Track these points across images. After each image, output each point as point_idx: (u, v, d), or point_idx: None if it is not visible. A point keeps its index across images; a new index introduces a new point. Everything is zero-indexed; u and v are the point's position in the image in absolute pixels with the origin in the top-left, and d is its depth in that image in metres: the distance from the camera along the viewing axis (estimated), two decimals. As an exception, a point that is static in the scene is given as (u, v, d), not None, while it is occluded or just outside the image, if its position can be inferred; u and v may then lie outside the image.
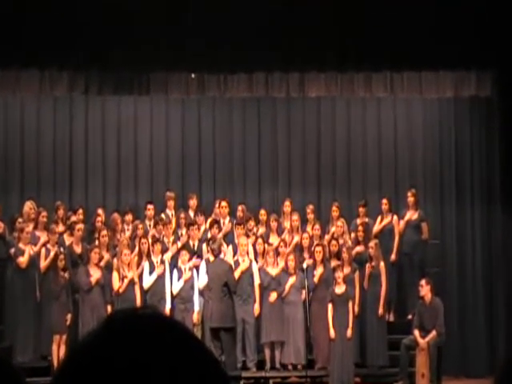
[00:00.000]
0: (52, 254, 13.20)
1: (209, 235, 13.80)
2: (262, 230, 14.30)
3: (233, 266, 13.22)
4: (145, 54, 12.87)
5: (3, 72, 13.23)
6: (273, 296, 13.20)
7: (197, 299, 13.17)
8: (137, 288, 13.07)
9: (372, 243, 13.47)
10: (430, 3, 13.03)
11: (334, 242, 13.63)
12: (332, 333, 12.68)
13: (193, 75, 13.59)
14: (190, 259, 13.41)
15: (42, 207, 14.11)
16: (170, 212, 14.73)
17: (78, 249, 13.67)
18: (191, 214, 14.74)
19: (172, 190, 15.08)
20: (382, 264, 13.40)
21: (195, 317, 13.07)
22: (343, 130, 15.63)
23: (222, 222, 14.40)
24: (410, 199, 14.38)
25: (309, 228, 14.26)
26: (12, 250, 13.30)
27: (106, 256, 13.43)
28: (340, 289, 12.85)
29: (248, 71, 13.54)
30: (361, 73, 13.56)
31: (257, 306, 13.19)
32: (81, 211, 14.30)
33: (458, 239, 14.63)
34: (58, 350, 12.66)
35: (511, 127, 13.64)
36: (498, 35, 13.01)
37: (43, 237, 13.58)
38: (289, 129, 15.69)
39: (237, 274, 13.13)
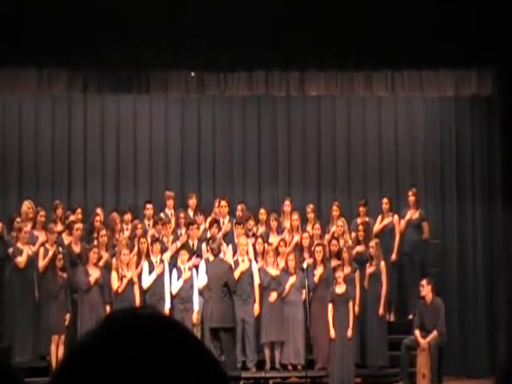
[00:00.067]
0: (50, 253, 13.15)
1: (208, 235, 13.76)
2: (261, 229, 14.26)
3: (232, 266, 13.18)
4: (144, 54, 12.83)
5: (1, 70, 13.18)
6: (273, 296, 13.16)
7: (196, 299, 13.13)
8: (136, 288, 13.03)
9: (372, 243, 13.44)
10: (430, 2, 12.99)
11: (334, 241, 13.59)
12: (332, 333, 12.63)
13: (192, 73, 13.54)
14: (190, 259, 13.37)
15: (41, 206, 14.07)
16: (170, 211, 14.69)
17: (76, 248, 13.62)
18: (191, 213, 14.69)
19: (171, 189, 15.04)
20: (382, 264, 13.36)
21: (195, 317, 13.03)
22: (343, 129, 15.60)
23: (221, 221, 14.35)
24: (411, 198, 14.34)
25: (309, 227, 14.22)
26: (10, 250, 13.26)
27: (105, 256, 13.38)
28: (340, 289, 12.81)
29: (248, 70, 13.50)
30: (361, 71, 13.54)
31: (257, 306, 13.14)
32: (79, 210, 14.26)
33: (459, 238, 14.61)
34: (57, 350, 12.61)
35: (512, 126, 13.63)
36: (498, 34, 13.00)
37: (41, 236, 13.53)
38: (289, 128, 15.65)
39: (236, 274, 13.09)
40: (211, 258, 13.23)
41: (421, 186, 14.92)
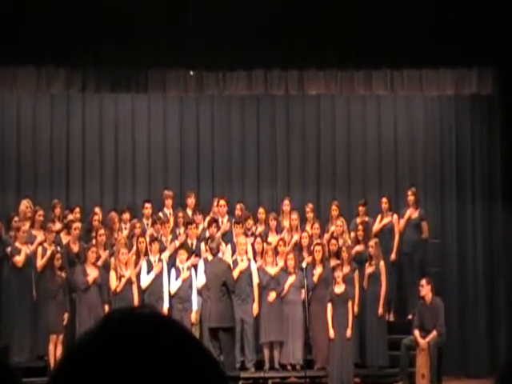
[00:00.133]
0: (49, 252, 13.12)
1: (207, 234, 13.74)
2: (260, 228, 14.23)
3: (231, 266, 13.15)
4: (144, 53, 12.80)
5: (0, 69, 13.13)
6: (272, 295, 13.13)
7: (195, 299, 13.10)
8: (134, 287, 12.99)
9: (372, 242, 13.42)
10: (430, 2, 12.97)
11: (333, 241, 13.56)
12: (331, 333, 12.60)
13: (191, 72, 13.51)
14: (189, 258, 13.34)
15: (39, 206, 14.04)
16: (168, 211, 14.66)
17: (75, 248, 13.59)
18: (189, 212, 14.67)
19: (170, 188, 15.02)
20: (381, 263, 13.34)
21: (193, 316, 13.00)
22: (343, 128, 15.57)
23: (220, 220, 14.33)
24: (411, 198, 14.32)
25: (308, 227, 14.19)
26: (8, 249, 13.24)
27: (104, 255, 13.36)
28: (339, 288, 12.78)
29: (247, 69, 13.47)
30: (361, 70, 13.51)
31: (256, 306, 13.11)
32: (78, 210, 14.24)
33: (459, 237, 14.59)
34: (55, 350, 12.58)
35: (512, 125, 13.61)
36: (498, 32, 12.97)
37: (40, 236, 13.50)
38: (288, 127, 15.62)
39: (235, 274, 13.06)
40: (210, 257, 13.20)
41: (420, 185, 14.89)
